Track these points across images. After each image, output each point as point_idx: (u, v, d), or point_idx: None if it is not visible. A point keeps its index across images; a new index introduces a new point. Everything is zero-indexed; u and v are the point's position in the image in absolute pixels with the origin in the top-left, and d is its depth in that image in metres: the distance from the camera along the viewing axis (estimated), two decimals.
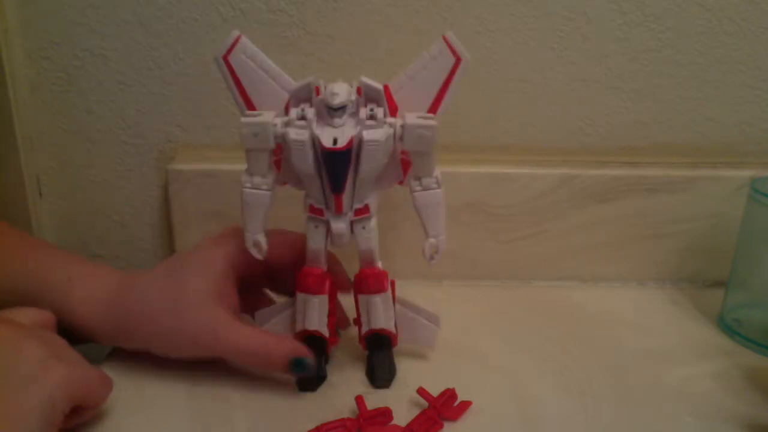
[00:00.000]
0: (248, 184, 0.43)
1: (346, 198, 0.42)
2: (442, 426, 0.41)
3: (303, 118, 0.41)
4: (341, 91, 0.40)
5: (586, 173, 0.59)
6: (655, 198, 0.59)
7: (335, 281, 0.46)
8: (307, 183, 0.43)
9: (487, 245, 0.61)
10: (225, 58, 0.42)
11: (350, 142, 0.40)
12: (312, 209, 0.44)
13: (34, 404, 0.34)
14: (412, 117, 0.42)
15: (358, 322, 0.47)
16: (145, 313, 0.44)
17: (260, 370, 0.46)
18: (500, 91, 0.59)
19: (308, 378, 0.45)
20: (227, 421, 0.42)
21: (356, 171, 0.41)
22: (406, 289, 0.49)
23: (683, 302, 0.59)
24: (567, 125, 0.60)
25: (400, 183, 0.45)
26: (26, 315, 0.41)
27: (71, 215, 0.63)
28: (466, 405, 0.43)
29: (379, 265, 0.46)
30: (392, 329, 0.46)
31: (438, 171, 0.43)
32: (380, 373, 0.46)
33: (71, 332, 0.44)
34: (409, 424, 0.41)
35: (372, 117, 0.41)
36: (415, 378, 0.46)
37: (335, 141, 0.40)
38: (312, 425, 0.40)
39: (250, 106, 0.43)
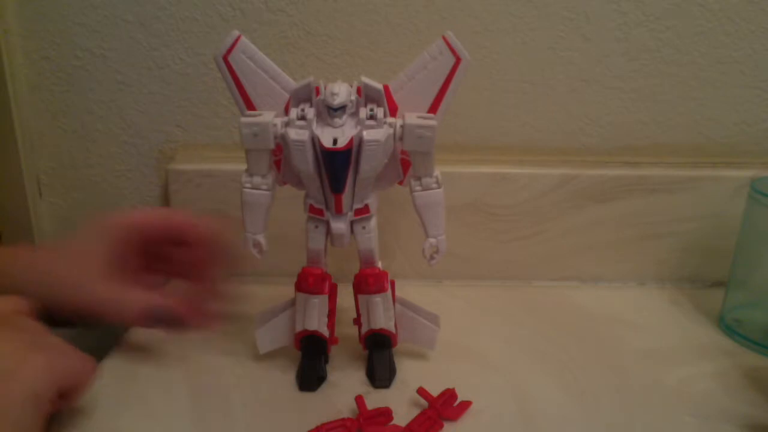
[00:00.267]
0: (248, 184, 0.43)
1: (346, 198, 0.42)
2: (442, 426, 0.41)
3: (303, 118, 0.41)
4: (341, 91, 0.40)
5: (586, 173, 0.59)
6: (655, 198, 0.59)
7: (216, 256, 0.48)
8: (307, 183, 0.43)
9: (487, 245, 0.61)
10: (225, 58, 0.42)
11: (350, 142, 0.40)
12: (312, 209, 0.44)
13: (16, 398, 0.34)
14: (412, 117, 0.42)
15: (358, 322, 0.47)
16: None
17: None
18: (500, 91, 0.59)
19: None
20: (227, 421, 0.42)
21: (356, 171, 0.41)
22: (406, 289, 0.49)
23: (683, 302, 0.59)
24: (567, 125, 0.60)
25: (400, 183, 0.45)
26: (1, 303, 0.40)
27: (71, 215, 0.63)
28: (466, 405, 0.43)
29: (379, 265, 0.46)
30: (392, 329, 0.46)
31: (438, 171, 0.43)
32: (380, 373, 0.46)
33: (51, 317, 0.43)
34: (409, 424, 0.41)
35: (372, 117, 0.41)
36: (415, 378, 0.46)
37: (335, 141, 0.40)
38: (312, 425, 0.40)
39: (250, 106, 0.43)
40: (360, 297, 0.45)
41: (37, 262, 0.47)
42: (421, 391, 0.43)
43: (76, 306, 0.45)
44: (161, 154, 0.61)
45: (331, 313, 0.46)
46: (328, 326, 0.45)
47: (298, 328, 0.45)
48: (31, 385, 0.35)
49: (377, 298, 0.45)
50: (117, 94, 0.59)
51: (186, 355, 0.50)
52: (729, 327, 0.54)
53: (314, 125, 0.41)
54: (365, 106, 0.41)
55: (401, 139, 0.42)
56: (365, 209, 0.44)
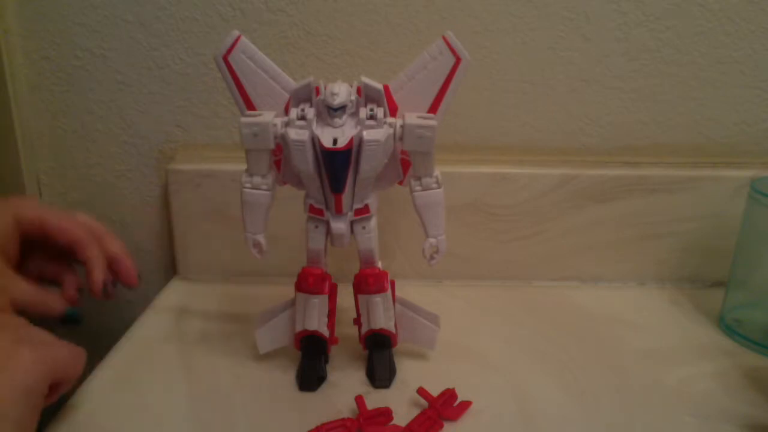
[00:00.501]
0: (248, 184, 0.43)
1: (346, 198, 0.42)
2: (442, 426, 0.41)
3: (303, 118, 0.41)
4: (341, 91, 0.40)
5: (586, 173, 0.59)
6: (655, 198, 0.59)
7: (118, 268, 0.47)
8: (307, 183, 0.43)
9: (487, 245, 0.61)
10: (225, 58, 0.42)
11: (350, 142, 0.40)
12: (312, 209, 0.44)
13: (8, 394, 0.34)
14: (412, 117, 0.42)
15: (358, 322, 0.47)
16: None
17: None
18: (500, 91, 0.59)
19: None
20: (227, 421, 0.42)
21: (356, 171, 0.41)
22: (406, 289, 0.49)
23: (683, 302, 0.59)
24: (567, 125, 0.60)
25: (400, 183, 0.45)
26: None
27: None
28: (466, 405, 0.43)
29: (379, 265, 0.46)
30: (392, 329, 0.46)
31: (438, 171, 0.43)
32: (380, 373, 0.46)
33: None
34: (409, 424, 0.41)
35: (372, 117, 0.41)
36: (415, 378, 0.46)
37: (335, 141, 0.40)
38: (312, 425, 0.40)
39: (250, 106, 0.43)
40: (360, 297, 0.45)
41: None
42: (421, 391, 0.43)
43: None
44: (161, 154, 0.61)
45: (331, 313, 0.46)
46: (328, 326, 0.45)
47: (298, 328, 0.45)
48: (23, 379, 0.34)
49: (377, 298, 0.45)
50: (117, 94, 0.59)
51: (186, 355, 0.50)
52: (729, 327, 0.54)
53: (314, 125, 0.41)
54: (365, 106, 0.41)
55: (401, 139, 0.42)
56: (365, 209, 0.44)
